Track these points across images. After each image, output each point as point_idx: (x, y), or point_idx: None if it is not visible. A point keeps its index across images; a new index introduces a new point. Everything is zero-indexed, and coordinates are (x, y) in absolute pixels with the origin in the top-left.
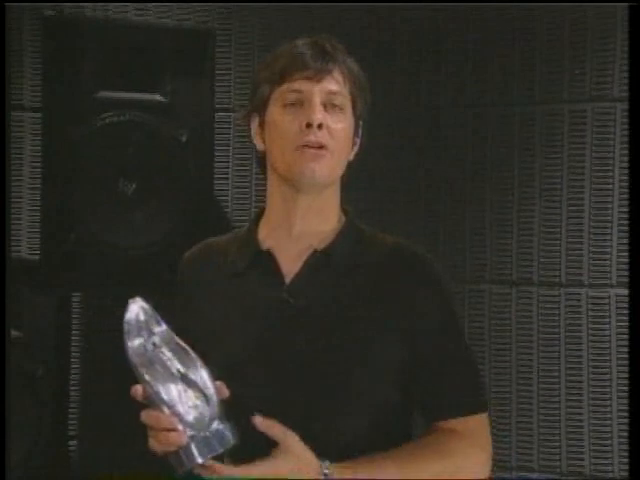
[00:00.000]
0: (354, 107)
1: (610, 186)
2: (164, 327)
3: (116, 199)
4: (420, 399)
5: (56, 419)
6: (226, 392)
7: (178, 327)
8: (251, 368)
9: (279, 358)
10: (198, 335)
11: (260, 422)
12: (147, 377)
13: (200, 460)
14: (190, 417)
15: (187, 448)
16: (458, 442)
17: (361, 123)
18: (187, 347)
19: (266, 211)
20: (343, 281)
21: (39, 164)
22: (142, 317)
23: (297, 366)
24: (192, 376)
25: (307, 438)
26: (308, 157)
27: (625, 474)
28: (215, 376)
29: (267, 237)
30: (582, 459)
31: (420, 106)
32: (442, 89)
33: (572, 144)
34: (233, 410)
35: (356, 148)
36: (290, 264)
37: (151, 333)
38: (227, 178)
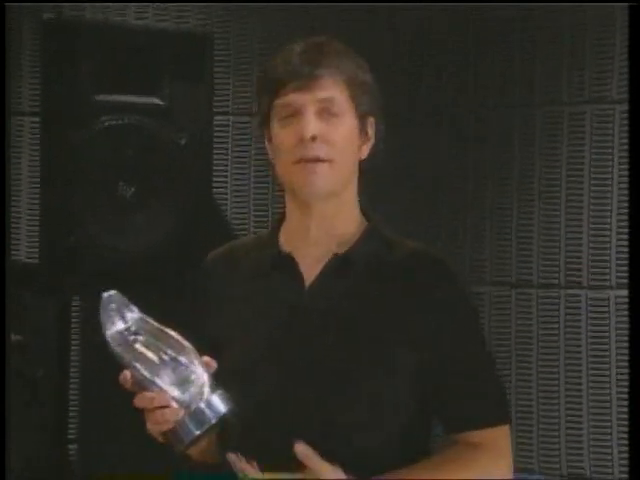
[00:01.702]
0: (356, 107)
1: (609, 188)
2: (137, 313)
3: (115, 202)
4: (441, 409)
5: (56, 421)
6: (214, 365)
7: (200, 326)
8: (269, 369)
9: (297, 360)
10: (218, 334)
11: (300, 450)
12: (132, 362)
13: (197, 432)
14: (180, 393)
15: (182, 423)
16: (481, 454)
17: (372, 120)
18: (166, 328)
19: (286, 215)
20: (362, 285)
21: (38, 168)
22: (113, 305)
23: (316, 368)
24: (176, 355)
25: (325, 441)
26: (306, 171)
27: (625, 476)
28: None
29: (287, 241)
30: (582, 461)
31: (420, 108)
32: (442, 91)
33: (571, 146)
34: (251, 410)
35: (369, 145)
36: (310, 268)
37: (125, 320)
38: (226, 181)
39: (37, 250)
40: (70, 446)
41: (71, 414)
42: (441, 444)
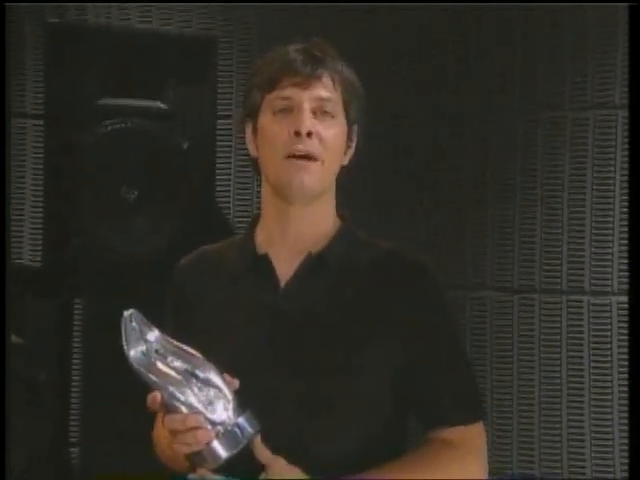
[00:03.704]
0: (347, 112)
1: (611, 193)
2: (157, 332)
3: (118, 206)
4: (416, 406)
5: (57, 424)
6: (236, 383)
7: (174, 332)
8: (248, 371)
9: (276, 361)
10: (195, 340)
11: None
12: (160, 382)
13: (227, 455)
14: (210, 414)
15: (210, 446)
16: (453, 452)
17: (356, 127)
18: (185, 346)
19: (262, 216)
20: (337, 284)
21: (41, 171)
22: (135, 325)
23: (293, 369)
24: (201, 374)
25: (302, 442)
26: (297, 168)
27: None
28: (220, 369)
29: (264, 242)
30: (584, 467)
31: (421, 112)
32: (443, 96)
33: (574, 151)
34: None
35: (351, 152)
36: (285, 268)
37: (147, 340)
38: (229, 185)
39: (40, 253)
40: (72, 449)
41: (72, 417)
42: (417, 442)
